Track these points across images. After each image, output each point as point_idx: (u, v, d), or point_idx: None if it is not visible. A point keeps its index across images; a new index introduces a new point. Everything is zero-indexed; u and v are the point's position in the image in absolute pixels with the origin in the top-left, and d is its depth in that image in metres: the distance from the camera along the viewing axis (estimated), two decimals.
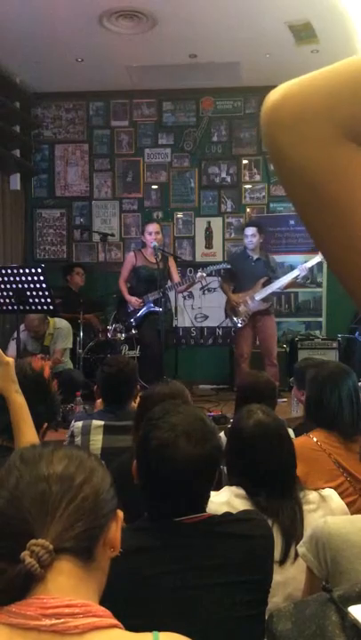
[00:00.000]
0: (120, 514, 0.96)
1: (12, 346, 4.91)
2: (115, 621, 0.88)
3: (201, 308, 7.06)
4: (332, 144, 0.49)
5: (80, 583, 0.88)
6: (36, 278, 4.57)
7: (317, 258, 5.63)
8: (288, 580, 1.61)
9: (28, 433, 1.73)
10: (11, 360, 1.80)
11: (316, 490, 1.84)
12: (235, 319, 5.77)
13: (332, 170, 0.49)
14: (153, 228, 5.61)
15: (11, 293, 4.61)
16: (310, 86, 0.50)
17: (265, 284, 5.75)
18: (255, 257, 5.83)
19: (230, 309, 5.85)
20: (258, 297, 5.73)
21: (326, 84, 0.50)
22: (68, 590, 0.85)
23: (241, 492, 1.73)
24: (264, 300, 5.77)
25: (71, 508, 0.89)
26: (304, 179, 0.50)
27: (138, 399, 2.88)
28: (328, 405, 2.29)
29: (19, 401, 1.78)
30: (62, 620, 0.82)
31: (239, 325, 5.77)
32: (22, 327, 5.15)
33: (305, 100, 0.50)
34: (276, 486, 1.73)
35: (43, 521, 0.87)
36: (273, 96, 0.52)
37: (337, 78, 0.50)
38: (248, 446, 1.77)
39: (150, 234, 5.56)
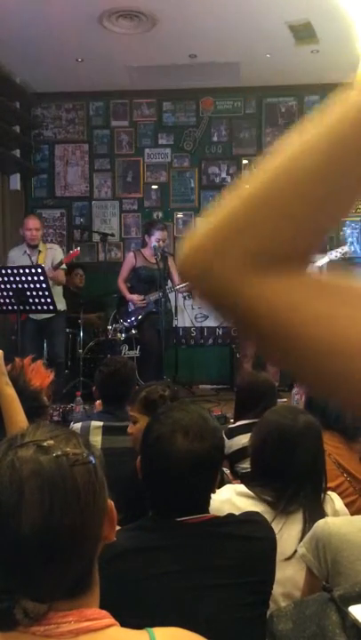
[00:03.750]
0: (111, 504, 0.94)
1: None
2: (111, 621, 0.88)
3: (201, 307, 7.05)
4: (231, 276, 0.49)
5: (80, 603, 0.88)
6: (36, 278, 4.57)
7: (326, 258, 5.63)
8: (287, 579, 1.61)
9: (19, 424, 1.72)
10: (0, 352, 1.80)
11: None
12: None
13: (250, 308, 0.49)
14: (162, 235, 5.60)
15: (11, 293, 4.62)
16: (204, 233, 0.51)
17: None
18: None
19: None
20: None
21: (214, 226, 0.50)
22: (67, 612, 0.87)
23: (243, 489, 1.73)
24: None
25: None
26: (234, 320, 0.52)
27: None
28: (332, 406, 2.28)
29: (9, 393, 1.78)
30: (55, 625, 0.84)
31: None
32: (13, 255, 5.37)
33: (201, 249, 0.50)
34: (309, 485, 1.75)
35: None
36: (183, 250, 0.52)
37: (226, 209, 0.50)
38: (296, 445, 1.76)
39: (158, 240, 5.55)
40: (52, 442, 0.88)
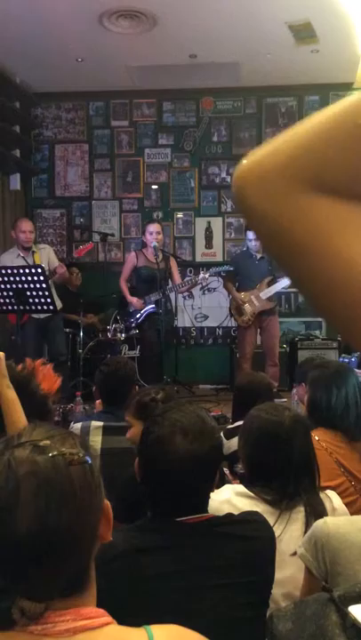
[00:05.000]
0: (107, 505, 0.94)
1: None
2: (108, 619, 0.89)
3: (201, 308, 7.06)
4: (288, 195, 0.55)
5: (76, 602, 0.88)
6: (36, 278, 4.57)
7: None
8: (287, 579, 1.61)
9: (20, 427, 1.71)
10: (1, 354, 1.79)
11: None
12: (242, 318, 5.76)
13: (291, 218, 0.55)
14: (154, 227, 5.61)
15: (11, 293, 4.61)
16: (269, 148, 0.57)
17: (270, 284, 5.76)
18: (259, 256, 5.85)
19: (235, 309, 5.84)
20: (264, 296, 5.73)
21: (282, 142, 0.57)
22: (64, 610, 0.87)
23: (242, 490, 1.73)
24: (269, 299, 5.77)
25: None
26: (270, 228, 0.57)
27: None
28: (334, 406, 2.28)
29: (10, 395, 1.76)
30: (52, 624, 0.84)
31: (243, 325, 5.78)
32: (5, 260, 5.34)
33: (264, 161, 0.57)
34: (305, 479, 1.76)
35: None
36: (242, 163, 0.58)
37: (291, 136, 0.57)
38: (290, 442, 1.76)
39: (151, 233, 5.56)
40: (48, 442, 0.88)
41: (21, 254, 5.43)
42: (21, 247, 5.45)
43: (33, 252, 5.49)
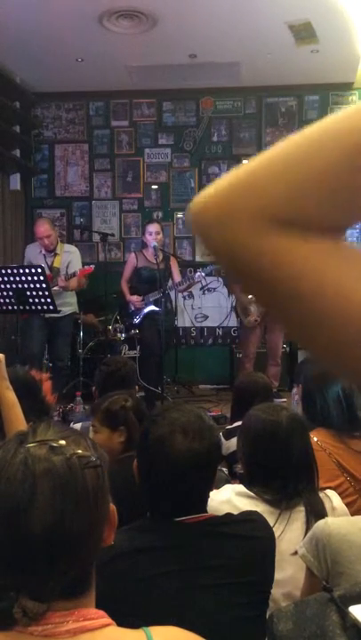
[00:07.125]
0: (113, 509, 0.95)
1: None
2: (107, 620, 0.89)
3: (201, 307, 7.05)
4: (266, 236, 0.49)
5: (77, 603, 0.88)
6: (36, 278, 4.57)
7: None
8: (287, 579, 1.61)
9: (19, 429, 1.72)
10: (1, 356, 1.79)
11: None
12: (249, 319, 5.74)
13: (272, 261, 0.49)
14: (153, 227, 5.61)
15: (11, 293, 4.61)
16: (237, 180, 0.51)
17: None
18: None
19: (241, 309, 5.82)
20: None
21: (256, 175, 0.51)
22: (66, 612, 0.87)
23: (242, 489, 1.73)
24: None
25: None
26: (246, 273, 0.52)
27: None
28: (315, 404, 2.30)
29: (10, 397, 1.76)
30: (53, 625, 0.84)
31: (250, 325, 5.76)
32: (29, 252, 5.34)
33: (233, 197, 0.51)
34: (304, 478, 1.76)
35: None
36: (203, 196, 0.52)
37: (268, 170, 0.50)
38: (288, 441, 1.77)
39: (151, 234, 5.56)
40: (63, 442, 0.88)
41: (43, 251, 5.41)
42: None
43: (56, 253, 5.42)
